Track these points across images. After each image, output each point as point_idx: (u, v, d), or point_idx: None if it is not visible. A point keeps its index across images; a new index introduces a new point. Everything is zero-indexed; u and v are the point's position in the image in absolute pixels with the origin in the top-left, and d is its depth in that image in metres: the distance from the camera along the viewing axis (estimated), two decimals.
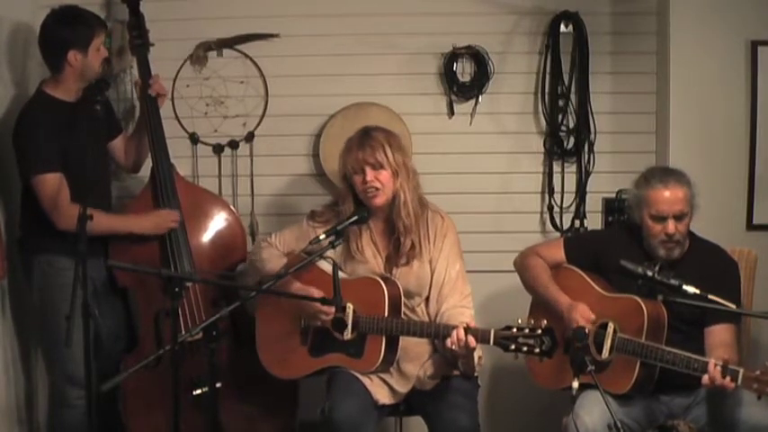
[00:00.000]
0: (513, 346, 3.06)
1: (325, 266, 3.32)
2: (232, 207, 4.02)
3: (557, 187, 4.23)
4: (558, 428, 3.31)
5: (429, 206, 3.51)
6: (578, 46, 4.13)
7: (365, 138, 3.40)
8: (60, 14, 3.62)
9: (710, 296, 3.01)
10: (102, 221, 3.53)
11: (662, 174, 3.38)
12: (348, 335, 3.37)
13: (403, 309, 3.40)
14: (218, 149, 4.24)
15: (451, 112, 4.22)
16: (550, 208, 4.24)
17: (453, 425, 3.26)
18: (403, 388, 3.42)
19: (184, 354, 3.63)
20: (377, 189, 3.37)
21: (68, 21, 3.60)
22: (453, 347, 3.15)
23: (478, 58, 4.16)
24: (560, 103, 4.18)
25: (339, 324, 3.37)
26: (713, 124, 4.02)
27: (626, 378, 3.21)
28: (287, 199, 4.26)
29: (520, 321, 3.10)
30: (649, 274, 3.13)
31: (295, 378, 3.61)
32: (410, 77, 4.20)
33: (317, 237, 3.31)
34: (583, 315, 3.27)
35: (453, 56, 4.15)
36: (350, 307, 3.35)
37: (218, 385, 3.29)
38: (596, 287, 3.40)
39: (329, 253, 3.28)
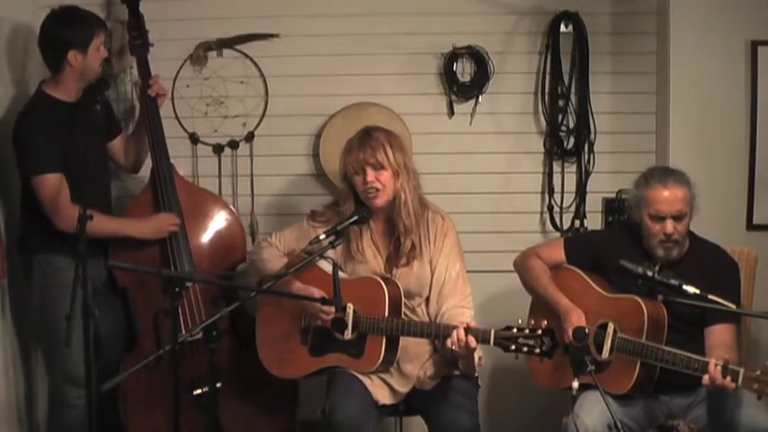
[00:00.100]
0: (513, 347, 3.06)
1: (326, 266, 3.32)
2: (232, 207, 4.02)
3: (557, 187, 4.23)
4: (558, 428, 3.31)
5: (429, 206, 3.51)
6: (578, 46, 4.13)
7: (366, 138, 3.40)
8: (60, 15, 3.62)
9: (710, 296, 3.01)
10: (102, 224, 3.53)
11: (661, 174, 3.38)
12: (348, 335, 3.37)
13: (403, 309, 3.40)
14: (218, 149, 4.24)
15: (451, 112, 4.22)
16: (550, 208, 4.24)
17: (453, 425, 3.26)
18: (403, 388, 3.42)
19: (184, 354, 3.63)
20: (377, 190, 3.37)
21: (68, 21, 3.59)
22: (453, 348, 3.15)
23: (478, 58, 4.16)
24: (560, 103, 4.17)
25: (339, 324, 3.37)
26: (713, 124, 4.02)
27: (626, 378, 3.21)
28: (287, 199, 4.26)
29: (520, 322, 3.10)
30: (649, 274, 3.13)
31: (295, 378, 3.62)
32: (410, 77, 4.20)
33: (318, 237, 3.31)
34: (576, 323, 3.26)
35: (453, 56, 4.15)
36: (350, 307, 3.35)
37: (219, 385, 3.29)
38: (596, 287, 3.40)
39: (329, 253, 3.28)
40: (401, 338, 3.35)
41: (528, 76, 4.21)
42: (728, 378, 2.97)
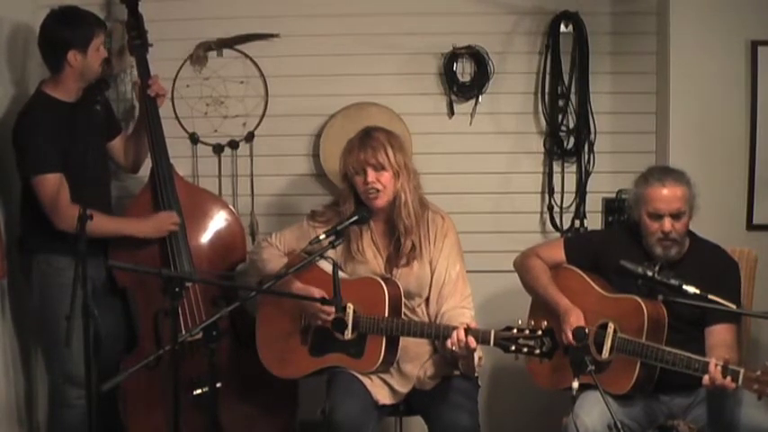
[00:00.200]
0: (513, 348, 3.06)
1: (326, 266, 3.32)
2: (231, 207, 4.02)
3: (557, 187, 4.23)
4: (558, 428, 3.31)
5: (429, 206, 3.51)
6: (578, 46, 4.13)
7: (366, 138, 3.40)
8: (60, 15, 3.62)
9: (710, 296, 3.01)
10: (103, 224, 3.53)
11: (661, 172, 3.39)
12: (348, 335, 3.37)
13: (403, 309, 3.40)
14: (218, 149, 4.24)
15: (451, 112, 4.22)
16: (550, 208, 4.24)
17: (453, 425, 3.25)
18: (403, 388, 3.42)
19: (184, 354, 3.63)
20: (378, 190, 3.37)
21: (68, 21, 3.59)
22: (454, 348, 3.15)
23: (478, 58, 4.16)
24: (560, 103, 4.17)
25: (339, 324, 3.37)
26: (713, 124, 4.02)
27: (626, 378, 3.21)
28: (287, 199, 4.26)
29: (520, 322, 3.10)
30: (649, 274, 3.13)
31: (295, 378, 3.61)
32: (410, 77, 4.20)
33: (318, 237, 3.30)
34: (575, 324, 3.26)
35: (453, 56, 4.15)
36: (350, 307, 3.35)
37: (219, 385, 3.29)
38: (596, 287, 3.40)
39: (330, 253, 3.28)
40: (401, 338, 3.35)
41: (528, 76, 4.21)
42: (728, 378, 2.97)
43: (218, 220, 3.93)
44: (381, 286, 3.35)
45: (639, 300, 3.25)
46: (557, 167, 4.23)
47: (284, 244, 3.57)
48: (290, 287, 3.39)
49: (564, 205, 4.23)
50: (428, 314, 3.44)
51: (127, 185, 4.17)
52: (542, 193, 4.25)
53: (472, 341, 3.11)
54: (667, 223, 3.30)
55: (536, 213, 4.27)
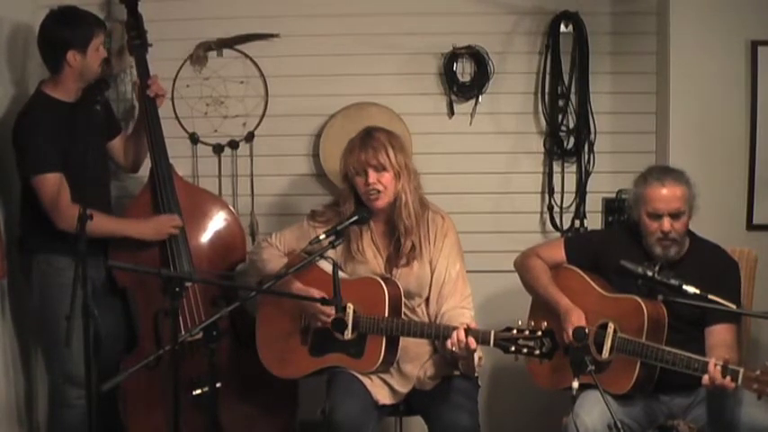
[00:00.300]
0: (513, 348, 3.06)
1: (326, 266, 3.32)
2: (231, 207, 4.02)
3: (557, 187, 4.23)
4: (558, 428, 3.31)
5: (429, 206, 3.51)
6: (578, 46, 4.13)
7: (368, 139, 3.39)
8: (59, 15, 3.62)
9: (710, 296, 3.01)
10: (103, 224, 3.53)
11: (660, 172, 3.39)
12: (348, 335, 3.37)
13: (403, 309, 3.40)
14: (218, 149, 4.23)
15: (451, 112, 4.22)
16: (550, 208, 4.24)
17: (453, 425, 3.25)
18: (403, 388, 3.42)
19: (184, 354, 3.63)
20: (379, 191, 3.37)
21: (67, 21, 3.59)
22: (454, 349, 3.14)
23: (478, 58, 4.16)
24: (560, 103, 4.17)
25: (339, 324, 3.37)
26: (713, 124, 4.02)
27: (626, 378, 3.21)
28: (287, 199, 4.26)
29: (520, 323, 3.10)
30: (649, 274, 3.13)
31: (295, 378, 3.61)
32: (410, 77, 4.20)
33: (318, 237, 3.30)
34: (577, 323, 3.26)
35: (453, 56, 4.15)
36: (350, 307, 3.35)
37: (218, 385, 3.29)
38: (596, 287, 3.40)
39: (330, 253, 3.28)
40: (401, 339, 3.35)
41: (528, 76, 4.21)
42: (728, 378, 2.97)
43: (217, 221, 3.93)
44: (381, 286, 3.35)
45: (639, 300, 3.25)
46: (557, 167, 4.23)
47: (284, 244, 3.57)
48: (289, 287, 3.39)
49: (564, 205, 4.23)
50: (428, 314, 3.44)
51: (126, 185, 4.17)
52: (542, 193, 4.25)
53: (472, 342, 3.11)
54: (666, 223, 3.30)
55: (536, 213, 4.27)
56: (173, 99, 4.16)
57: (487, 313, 3.86)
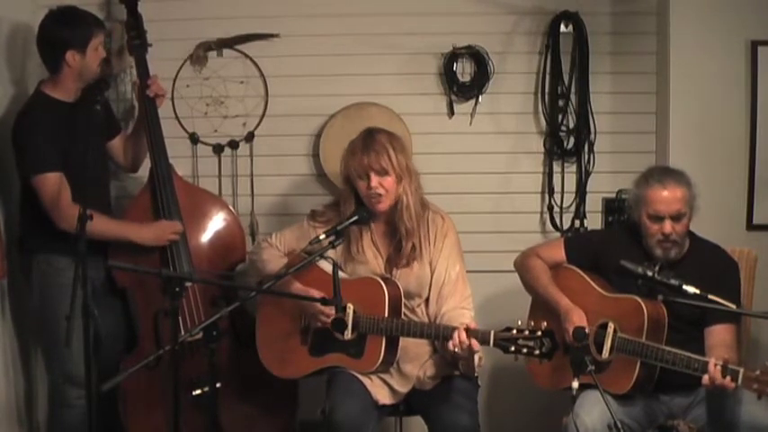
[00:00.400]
0: (512, 348, 3.06)
1: (326, 266, 3.32)
2: (231, 207, 4.02)
3: (557, 187, 4.23)
4: (558, 428, 3.31)
5: (429, 206, 3.50)
6: (578, 46, 4.13)
7: (369, 141, 3.38)
8: (58, 15, 3.61)
9: (710, 296, 3.01)
10: (103, 227, 3.53)
11: (661, 173, 3.38)
12: (348, 335, 3.37)
13: (403, 309, 3.40)
14: (218, 149, 4.23)
15: (451, 112, 4.22)
16: (550, 208, 4.24)
17: (453, 425, 3.25)
18: (403, 388, 3.42)
19: (184, 354, 3.62)
20: (381, 195, 3.36)
21: (66, 21, 3.59)
22: (456, 350, 3.14)
23: (478, 58, 4.15)
24: (560, 103, 4.17)
25: (339, 324, 3.37)
26: (713, 124, 4.02)
27: (626, 378, 3.21)
28: (287, 199, 4.26)
29: (520, 323, 3.10)
30: (649, 274, 3.13)
31: (295, 378, 3.61)
32: (410, 77, 4.20)
33: (318, 237, 3.30)
34: (577, 323, 3.26)
35: (453, 56, 4.15)
36: (350, 307, 3.35)
37: (219, 385, 3.29)
38: (596, 287, 3.40)
39: (330, 253, 3.28)
40: (401, 339, 3.35)
41: (528, 76, 4.21)
42: (728, 378, 2.97)
43: (217, 221, 3.93)
44: (381, 286, 3.35)
45: (639, 300, 3.25)
46: (557, 167, 4.23)
47: (284, 244, 3.57)
48: (289, 287, 3.39)
49: (564, 205, 4.23)
50: (428, 314, 3.44)
51: (126, 185, 4.17)
52: (542, 193, 4.25)
53: (476, 343, 3.10)
54: (668, 225, 3.30)
55: (536, 213, 4.27)
56: (173, 99, 4.16)
57: (487, 313, 3.86)
